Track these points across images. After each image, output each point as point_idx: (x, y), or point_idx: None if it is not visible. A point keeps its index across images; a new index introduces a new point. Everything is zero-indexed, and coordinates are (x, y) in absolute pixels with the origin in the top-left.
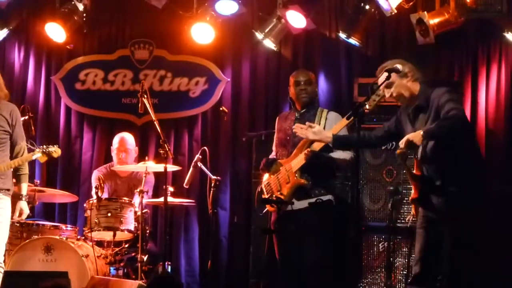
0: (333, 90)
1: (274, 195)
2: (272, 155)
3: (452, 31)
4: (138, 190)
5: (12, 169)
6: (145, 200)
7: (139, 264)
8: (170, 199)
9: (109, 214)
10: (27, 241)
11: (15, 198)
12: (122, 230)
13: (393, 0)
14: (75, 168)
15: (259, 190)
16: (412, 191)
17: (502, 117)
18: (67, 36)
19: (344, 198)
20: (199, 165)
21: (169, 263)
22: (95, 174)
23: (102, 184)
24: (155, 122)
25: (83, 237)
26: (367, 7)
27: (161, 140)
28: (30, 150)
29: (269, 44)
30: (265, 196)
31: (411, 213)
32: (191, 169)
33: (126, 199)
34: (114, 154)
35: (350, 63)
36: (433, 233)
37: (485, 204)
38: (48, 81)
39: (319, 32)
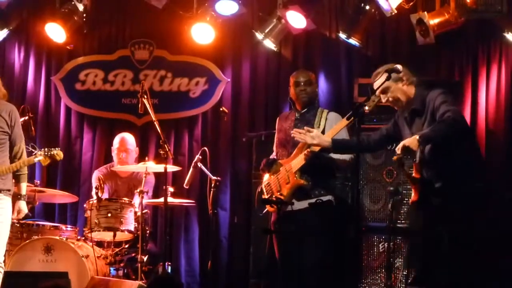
0: (333, 90)
1: (274, 196)
2: (273, 155)
3: (452, 31)
4: (138, 190)
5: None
6: (145, 201)
7: (139, 265)
8: (170, 199)
9: (109, 215)
10: (27, 241)
11: (14, 198)
12: (122, 231)
13: (393, 0)
14: (75, 169)
15: (259, 190)
16: (413, 194)
17: (502, 117)
18: (67, 36)
19: (344, 198)
20: (199, 165)
21: (169, 263)
22: (95, 175)
23: (102, 185)
24: (155, 123)
25: (83, 238)
26: (367, 7)
27: (161, 141)
28: (31, 153)
29: (269, 44)
30: (265, 196)
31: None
32: (191, 169)
33: (126, 199)
34: (114, 154)
35: (350, 63)
36: (432, 233)
37: (485, 205)
38: (48, 82)
39: (319, 32)
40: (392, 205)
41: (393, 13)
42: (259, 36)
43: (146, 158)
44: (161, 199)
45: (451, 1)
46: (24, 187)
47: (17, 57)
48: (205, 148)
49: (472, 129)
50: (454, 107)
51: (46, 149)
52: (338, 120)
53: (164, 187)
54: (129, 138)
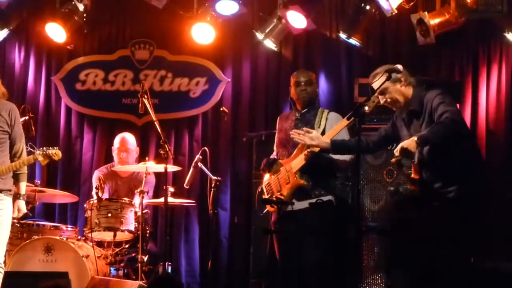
0: (334, 90)
1: (274, 196)
2: (273, 155)
3: (452, 31)
4: (138, 190)
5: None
6: (145, 201)
7: (140, 265)
8: (170, 199)
9: (109, 215)
10: (27, 241)
11: (14, 197)
12: (122, 231)
13: (393, 1)
14: (76, 169)
15: (260, 190)
16: None
17: (503, 118)
18: (68, 36)
19: (345, 198)
20: (199, 165)
21: (170, 263)
22: (96, 174)
23: (103, 185)
24: (155, 123)
25: (83, 238)
26: (368, 7)
27: (161, 141)
28: (30, 153)
29: (270, 44)
30: (266, 196)
31: None
32: (191, 169)
33: (126, 199)
34: (115, 154)
35: (350, 63)
36: (431, 233)
37: (485, 205)
38: (48, 82)
39: (320, 32)
40: None
41: (394, 13)
42: (259, 36)
43: (147, 158)
44: (161, 199)
45: (451, 1)
46: (24, 186)
47: (17, 57)
48: (205, 148)
49: (472, 130)
50: (452, 108)
51: (44, 148)
52: (339, 120)
53: (164, 187)
54: (130, 138)
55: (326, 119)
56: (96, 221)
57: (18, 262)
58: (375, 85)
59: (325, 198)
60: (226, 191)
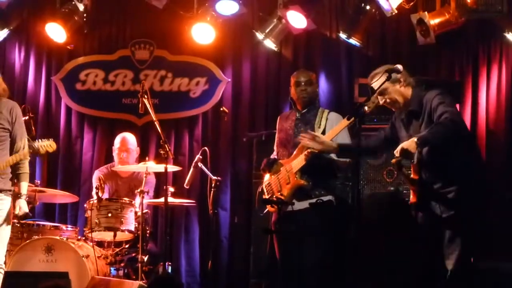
0: (334, 90)
1: (274, 196)
2: (273, 155)
3: (452, 31)
4: (138, 190)
5: (12, 170)
6: (145, 201)
7: (140, 265)
8: (170, 199)
9: (109, 215)
10: (27, 241)
11: (15, 197)
12: (122, 231)
13: (393, 1)
14: (76, 169)
15: (260, 190)
16: (411, 196)
17: (503, 118)
18: (68, 36)
19: (345, 198)
20: (199, 165)
21: (170, 263)
22: (96, 174)
23: (103, 185)
24: (155, 123)
25: (83, 238)
26: (368, 7)
27: (161, 141)
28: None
29: (270, 44)
30: (266, 196)
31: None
32: (191, 169)
33: (126, 199)
34: (115, 154)
35: (350, 63)
36: (431, 234)
37: (485, 205)
38: (48, 81)
39: (320, 32)
40: None
41: (394, 13)
42: (259, 36)
43: (147, 158)
44: (162, 199)
45: (451, 1)
46: (25, 186)
47: (17, 57)
48: (206, 148)
49: (472, 130)
50: (451, 109)
51: (40, 140)
52: (339, 120)
53: (164, 187)
54: (130, 138)
55: (326, 119)
56: (96, 221)
57: (18, 262)
58: (375, 85)
59: (325, 198)
60: (226, 191)
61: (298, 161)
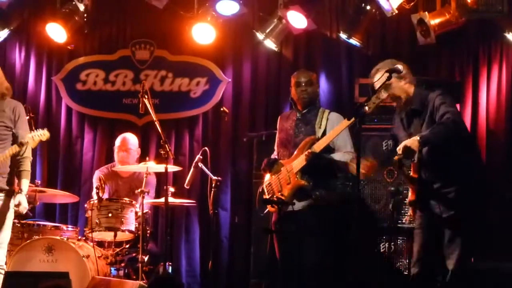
0: (334, 90)
1: (275, 196)
2: (274, 155)
3: (453, 31)
4: (139, 190)
5: (13, 167)
6: (146, 201)
7: (140, 265)
8: (170, 199)
9: (110, 215)
10: (28, 241)
11: (15, 193)
12: (123, 231)
13: (394, 1)
14: (76, 169)
15: (260, 190)
16: (410, 194)
17: (503, 118)
18: (68, 36)
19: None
20: (199, 165)
21: (170, 263)
22: (96, 174)
23: (103, 185)
24: (155, 123)
25: (84, 238)
26: (368, 7)
27: (161, 141)
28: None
29: (270, 44)
30: (266, 196)
31: (409, 213)
32: (191, 169)
33: (127, 199)
34: (115, 153)
35: (351, 63)
36: (431, 234)
37: (485, 205)
38: (49, 82)
39: (320, 32)
40: (393, 205)
41: (394, 13)
42: (260, 36)
43: (147, 158)
44: (162, 199)
45: (452, 1)
46: (25, 184)
47: (17, 57)
48: (206, 148)
49: (472, 130)
50: (453, 109)
51: (33, 131)
52: (339, 121)
53: (164, 187)
54: (131, 138)
55: (327, 119)
56: (97, 221)
57: (19, 262)
58: (378, 82)
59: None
60: (226, 191)
61: (299, 161)
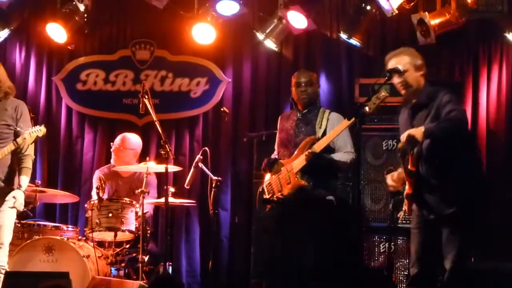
0: (334, 90)
1: (275, 196)
2: (274, 155)
3: (453, 31)
4: (139, 190)
5: (14, 168)
6: (147, 201)
7: (140, 265)
8: (171, 199)
9: (110, 215)
10: (28, 241)
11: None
12: (123, 231)
13: (394, 1)
14: (76, 169)
15: (261, 190)
16: (406, 187)
17: (503, 118)
18: (68, 36)
19: (345, 198)
20: (200, 165)
21: (170, 263)
22: (97, 174)
23: (103, 185)
24: (156, 123)
25: (84, 238)
26: (368, 7)
27: (162, 141)
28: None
29: (270, 44)
30: (267, 196)
31: (404, 208)
32: (192, 169)
33: (127, 199)
34: (111, 150)
35: (351, 63)
36: (429, 233)
37: (484, 205)
38: (49, 82)
39: (320, 32)
40: (393, 205)
41: (394, 13)
42: (260, 36)
43: (147, 158)
44: (162, 199)
45: (452, 1)
46: (24, 180)
47: (18, 57)
48: (206, 148)
49: (472, 130)
50: (460, 108)
51: (31, 128)
52: (340, 121)
53: (165, 187)
54: (130, 138)
55: (327, 119)
56: (97, 221)
57: (19, 262)
58: (393, 64)
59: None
60: (226, 191)
61: (299, 161)
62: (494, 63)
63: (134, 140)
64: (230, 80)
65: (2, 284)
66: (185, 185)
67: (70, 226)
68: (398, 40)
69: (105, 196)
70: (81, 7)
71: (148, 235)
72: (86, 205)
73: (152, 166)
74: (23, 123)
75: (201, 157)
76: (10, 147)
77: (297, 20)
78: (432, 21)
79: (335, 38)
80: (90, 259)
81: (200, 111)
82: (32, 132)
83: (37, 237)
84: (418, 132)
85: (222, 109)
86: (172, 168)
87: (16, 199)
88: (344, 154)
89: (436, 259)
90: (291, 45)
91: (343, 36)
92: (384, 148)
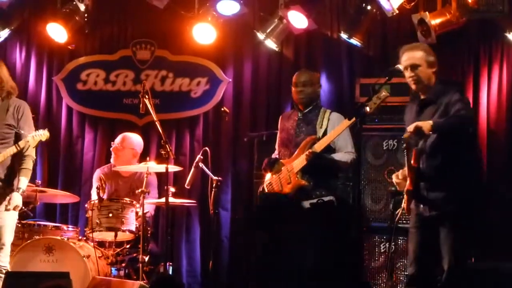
0: (335, 90)
1: None
2: (275, 155)
3: (453, 31)
4: (139, 190)
5: (15, 170)
6: (147, 201)
7: (141, 265)
8: (171, 199)
9: (110, 215)
10: (28, 241)
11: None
12: (123, 231)
13: (394, 1)
14: (77, 169)
15: (261, 190)
16: (407, 182)
17: (504, 118)
18: (69, 36)
19: (346, 198)
20: (200, 165)
21: (171, 263)
22: (97, 174)
23: (104, 184)
24: (156, 123)
25: (84, 238)
26: (369, 7)
27: (162, 141)
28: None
29: (271, 44)
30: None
31: (402, 206)
32: (192, 169)
33: (127, 199)
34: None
35: (351, 63)
36: (427, 233)
37: (484, 204)
38: (49, 82)
39: (321, 32)
40: (393, 205)
41: (395, 13)
42: (260, 36)
43: (148, 158)
44: (163, 199)
45: (452, 1)
46: (23, 181)
47: (18, 57)
48: (207, 148)
49: (473, 130)
50: (470, 107)
51: (34, 132)
52: (341, 121)
53: (165, 187)
54: (129, 138)
55: (328, 119)
56: (97, 221)
57: (19, 262)
58: (406, 60)
59: (326, 198)
60: (227, 191)
61: (299, 161)
62: (494, 63)
63: (134, 139)
64: (230, 80)
65: (3, 284)
66: (186, 185)
67: (70, 226)
68: (398, 40)
69: (105, 196)
70: (82, 7)
71: (148, 235)
72: (86, 205)
73: (153, 166)
74: (25, 123)
75: (202, 157)
76: (12, 150)
77: (298, 20)
78: (432, 21)
79: (335, 38)
80: (90, 259)
81: (200, 111)
82: (35, 136)
83: (37, 237)
84: (426, 124)
85: (222, 109)
86: (173, 168)
87: (11, 200)
88: (344, 154)
89: (434, 259)
90: (292, 45)
91: (344, 36)
92: (384, 148)
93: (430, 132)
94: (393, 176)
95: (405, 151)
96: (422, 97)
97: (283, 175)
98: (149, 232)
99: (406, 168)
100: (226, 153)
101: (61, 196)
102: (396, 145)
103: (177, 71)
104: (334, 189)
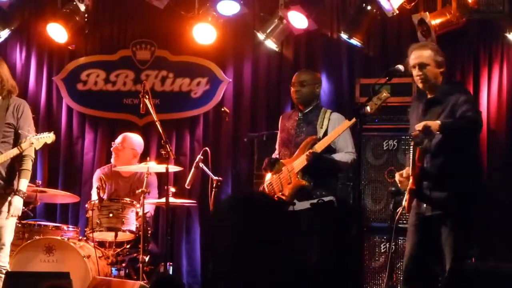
0: (335, 90)
1: (276, 195)
2: (275, 155)
3: (453, 31)
4: (139, 190)
5: (15, 170)
6: (147, 201)
7: (141, 265)
8: (171, 199)
9: (110, 215)
10: (28, 241)
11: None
12: (123, 231)
13: (394, 1)
14: (77, 169)
15: (261, 190)
16: (410, 181)
17: (504, 118)
18: (69, 36)
19: (346, 199)
20: (200, 165)
21: (171, 263)
22: (97, 174)
23: (104, 184)
24: (156, 123)
25: (84, 238)
26: (369, 7)
27: (162, 141)
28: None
29: (271, 44)
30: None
31: (403, 205)
32: (192, 169)
33: (127, 199)
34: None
35: (351, 63)
36: (426, 231)
37: (484, 205)
38: (49, 82)
39: (321, 32)
40: (393, 205)
41: (395, 13)
42: (260, 36)
43: (148, 158)
44: (163, 200)
45: (452, 1)
46: (23, 183)
47: (18, 57)
48: (207, 148)
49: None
50: (476, 109)
51: (39, 134)
52: (341, 121)
53: (165, 187)
54: (130, 138)
55: (329, 119)
56: (98, 221)
57: (19, 262)
58: (414, 56)
59: (326, 199)
60: (227, 191)
61: (300, 161)
62: (494, 63)
63: (134, 139)
64: (230, 80)
65: (3, 285)
66: (186, 185)
67: (70, 226)
68: (398, 40)
69: (105, 196)
70: (82, 7)
71: (148, 235)
72: (86, 205)
73: (153, 166)
74: (24, 122)
75: (202, 157)
76: (14, 151)
77: (298, 20)
78: (432, 21)
79: (335, 38)
80: (90, 259)
81: (200, 111)
82: (40, 138)
83: (37, 237)
84: (434, 124)
85: (222, 109)
86: (173, 168)
87: (12, 205)
88: (345, 155)
89: (433, 258)
90: (292, 45)
91: (344, 36)
92: (384, 148)
93: (438, 132)
94: (397, 174)
95: (411, 148)
96: (429, 96)
97: (283, 175)
98: (149, 232)
99: (410, 167)
100: (226, 153)
101: (61, 196)
102: (396, 145)
103: (177, 71)
104: (334, 189)
